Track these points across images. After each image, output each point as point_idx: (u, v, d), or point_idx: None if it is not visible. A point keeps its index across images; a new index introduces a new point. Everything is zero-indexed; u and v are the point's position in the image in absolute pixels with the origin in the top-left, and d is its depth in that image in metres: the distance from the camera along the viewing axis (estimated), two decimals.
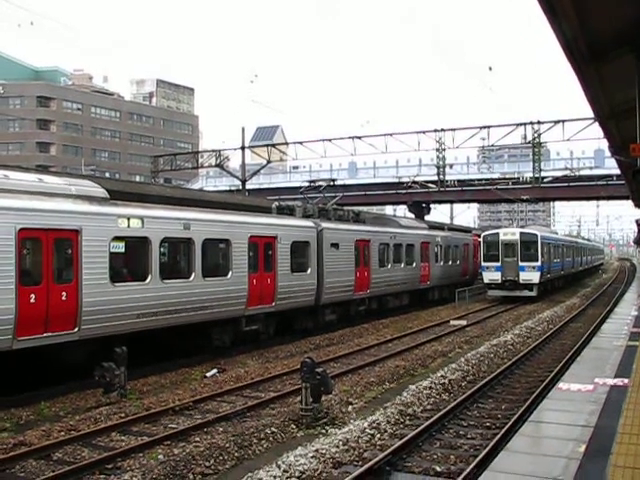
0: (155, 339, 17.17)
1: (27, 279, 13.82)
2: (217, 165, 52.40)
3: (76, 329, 14.60)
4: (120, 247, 16.09)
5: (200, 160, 56.94)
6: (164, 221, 17.33)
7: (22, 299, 13.44)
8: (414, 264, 33.94)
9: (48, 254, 14.23)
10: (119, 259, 16.34)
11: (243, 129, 46.71)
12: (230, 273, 19.59)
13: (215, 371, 17.56)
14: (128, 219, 16.20)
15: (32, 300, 13.68)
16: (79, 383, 14.88)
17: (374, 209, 67.54)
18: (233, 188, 57.60)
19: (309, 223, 24.65)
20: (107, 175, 77.51)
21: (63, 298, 14.34)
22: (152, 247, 16.77)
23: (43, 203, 14.26)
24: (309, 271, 23.85)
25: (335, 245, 25.60)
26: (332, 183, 30.56)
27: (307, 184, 30.82)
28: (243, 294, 20.05)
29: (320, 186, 30.24)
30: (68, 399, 14.28)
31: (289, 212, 25.06)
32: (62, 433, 11.70)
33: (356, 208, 33.11)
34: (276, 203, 25.68)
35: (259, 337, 21.57)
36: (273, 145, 53.78)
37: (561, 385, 10.92)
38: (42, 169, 48.82)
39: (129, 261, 17.03)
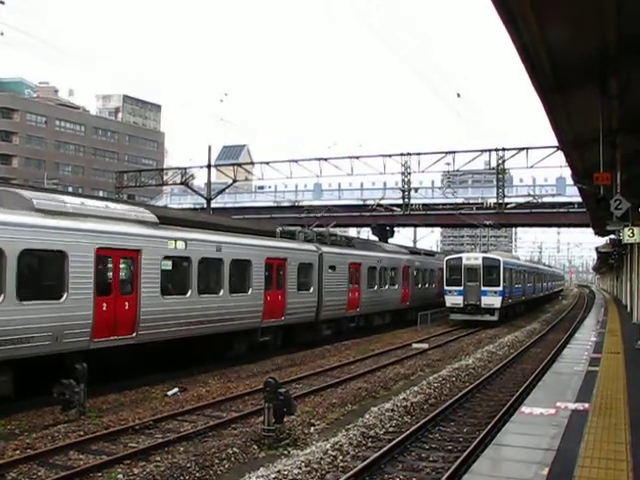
0: (186, 347, 19.55)
1: (101, 290, 16.17)
2: (182, 183, 52.10)
3: (134, 334, 17.10)
4: (168, 265, 18.95)
5: (165, 177, 56.60)
6: (202, 243, 20.10)
7: (98, 307, 15.94)
8: (397, 286, 37.06)
9: (116, 269, 16.90)
10: (167, 275, 18.82)
11: (209, 147, 46.59)
12: (250, 290, 22.36)
13: (176, 390, 17.34)
14: (175, 241, 18.92)
15: (104, 308, 16.18)
16: (36, 400, 14.55)
17: (337, 231, 67.65)
18: (197, 206, 57.32)
19: (312, 247, 27.65)
20: (70, 189, 76.52)
21: (126, 307, 16.92)
22: (192, 266, 19.47)
23: (115, 226, 16.86)
24: (311, 290, 26.75)
25: (332, 267, 28.57)
26: (330, 214, 35.92)
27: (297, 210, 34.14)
28: (260, 309, 22.83)
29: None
30: (24, 416, 13.91)
31: (290, 236, 27.90)
32: (17, 452, 11.41)
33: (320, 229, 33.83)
34: (280, 228, 28.55)
35: (268, 347, 24.01)
36: (239, 164, 53.69)
37: (523, 409, 10.99)
38: (4, 181, 48.09)
39: (174, 277, 19.51)
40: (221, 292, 20.80)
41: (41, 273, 15.77)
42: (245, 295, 22.05)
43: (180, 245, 19.03)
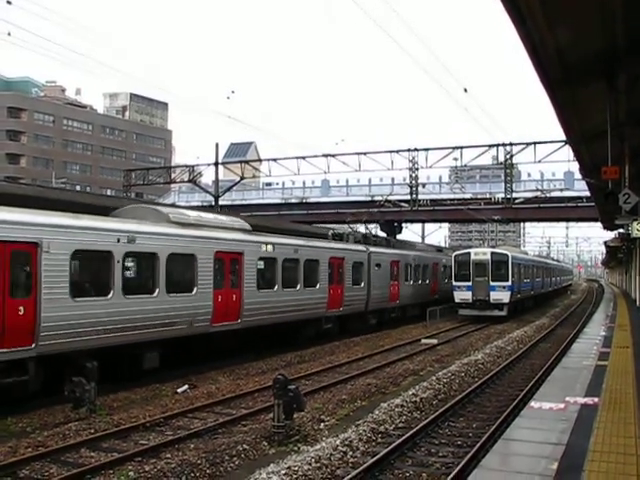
0: (269, 333, 23.61)
1: (217, 285, 20.06)
2: (190, 180, 52.17)
3: (239, 320, 21.05)
4: (261, 265, 22.84)
5: (173, 175, 56.63)
6: (285, 246, 24.35)
7: (215, 299, 19.90)
8: (427, 280, 41.75)
9: (227, 268, 20.83)
10: (261, 273, 22.76)
11: (217, 145, 46.58)
12: (318, 285, 26.54)
13: (186, 387, 17.42)
14: (266, 245, 23.02)
15: (219, 299, 20.06)
16: (47, 398, 14.63)
17: (346, 227, 67.40)
18: (205, 204, 57.35)
19: (362, 247, 32.20)
20: (78, 188, 76.69)
21: (233, 299, 20.85)
22: (278, 265, 23.66)
23: (226, 234, 21.09)
24: (362, 285, 31.02)
25: (378, 265, 32.95)
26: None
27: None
28: (324, 300, 27.08)
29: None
30: (36, 415, 14.01)
31: (339, 238, 32.81)
32: (29, 449, 11.51)
33: (330, 226, 35.04)
34: (331, 231, 34.05)
35: (329, 333, 28.06)
36: (246, 162, 53.73)
37: (533, 404, 10.99)
38: (12, 181, 48.27)
39: (265, 274, 23.19)
40: (298, 286, 25.00)
41: (180, 272, 19.19)
42: (314, 289, 26.26)
43: (269, 248, 23.17)
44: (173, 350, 18.45)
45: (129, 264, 17.19)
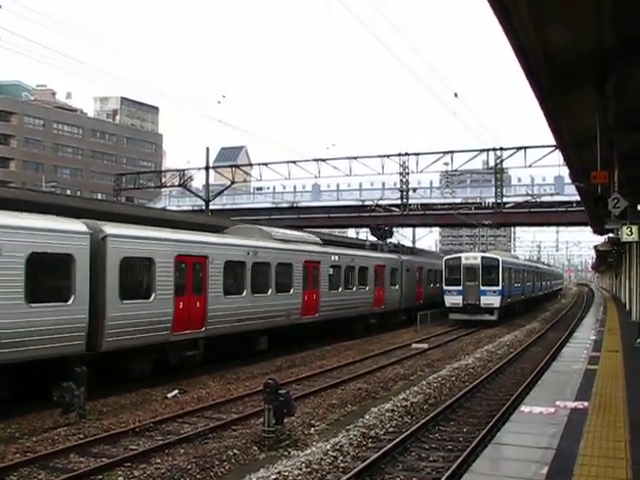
0: (329, 326, 28.85)
1: (304, 287, 25.95)
2: (180, 185, 52.05)
3: (317, 315, 27.23)
4: (331, 271, 28.84)
5: (163, 179, 56.50)
6: (346, 256, 30.64)
7: (303, 297, 25.90)
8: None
9: (310, 274, 26.75)
10: (331, 278, 28.66)
11: (207, 149, 46.53)
12: (367, 287, 32.80)
13: (176, 392, 17.34)
14: (334, 255, 29.22)
15: (306, 298, 26.03)
16: (36, 403, 14.53)
17: (336, 232, 67.32)
18: (196, 208, 57.18)
19: (396, 256, 38.82)
20: (68, 192, 76.31)
21: (314, 298, 26.84)
22: (342, 271, 29.89)
23: (309, 247, 27.50)
24: (397, 287, 37.40)
25: (408, 270, 39.49)
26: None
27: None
28: (371, 300, 33.36)
29: None
30: (24, 420, 13.92)
31: (374, 248, 40.33)
32: (18, 455, 11.43)
33: (321, 230, 35.58)
34: (368, 242, 42.33)
35: (370, 328, 33.56)
36: (237, 166, 53.65)
37: (523, 408, 11.00)
38: (2, 184, 47.95)
39: (333, 278, 29.00)
40: (354, 288, 31.13)
41: (283, 277, 24.57)
42: (364, 290, 32.35)
43: (336, 257, 29.25)
44: (274, 336, 23.86)
45: (254, 271, 22.61)
